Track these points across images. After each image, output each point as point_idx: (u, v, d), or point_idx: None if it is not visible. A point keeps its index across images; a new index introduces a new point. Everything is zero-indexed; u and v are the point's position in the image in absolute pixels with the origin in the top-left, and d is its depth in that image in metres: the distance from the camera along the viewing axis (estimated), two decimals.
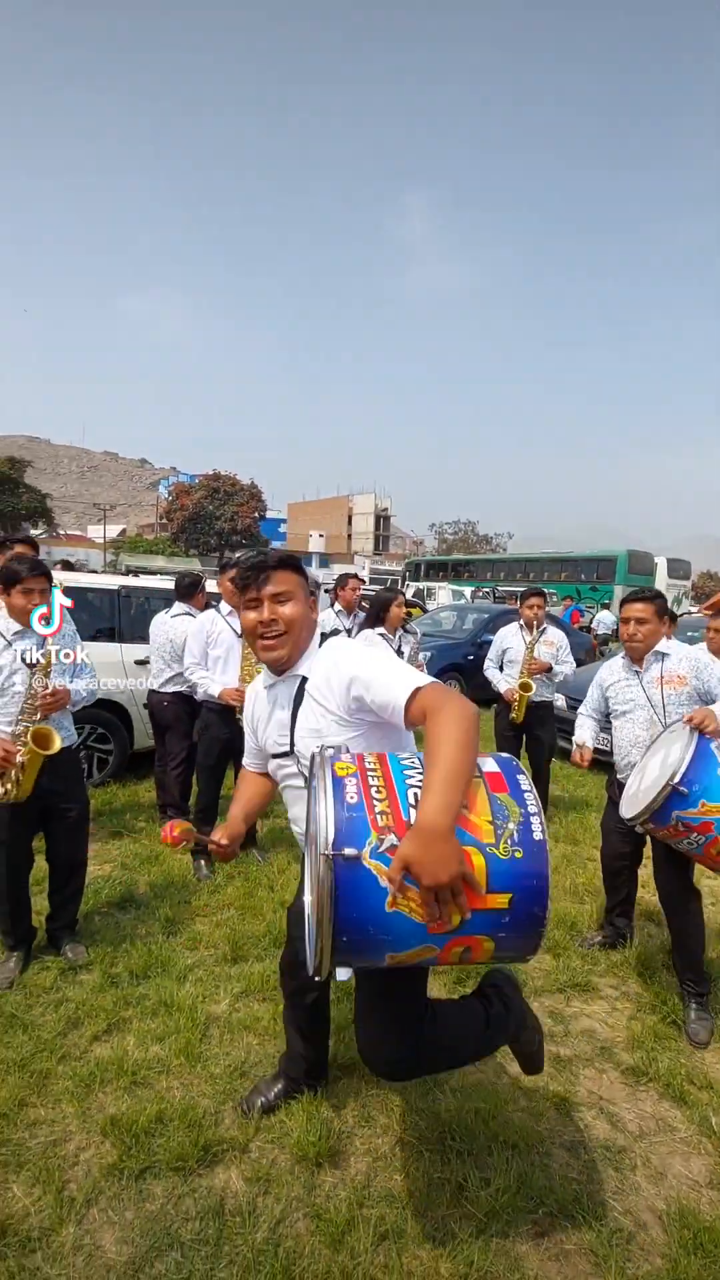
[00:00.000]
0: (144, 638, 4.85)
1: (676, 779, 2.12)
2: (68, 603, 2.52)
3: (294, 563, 1.53)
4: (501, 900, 1.14)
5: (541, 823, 1.20)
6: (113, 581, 5.14)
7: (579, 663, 5.94)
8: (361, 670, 1.40)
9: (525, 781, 1.27)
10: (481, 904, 1.12)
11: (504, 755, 1.34)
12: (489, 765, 1.28)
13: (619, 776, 2.82)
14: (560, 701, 5.77)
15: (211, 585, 4.73)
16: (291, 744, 1.54)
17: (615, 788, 2.85)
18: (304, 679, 1.52)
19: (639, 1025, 2.44)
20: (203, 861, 3.56)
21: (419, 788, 1.18)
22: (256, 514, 44.66)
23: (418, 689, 1.30)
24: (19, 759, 2.34)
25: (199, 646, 3.61)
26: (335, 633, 4.74)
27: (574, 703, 6.33)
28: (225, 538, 42.68)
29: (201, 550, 43.02)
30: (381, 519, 75.48)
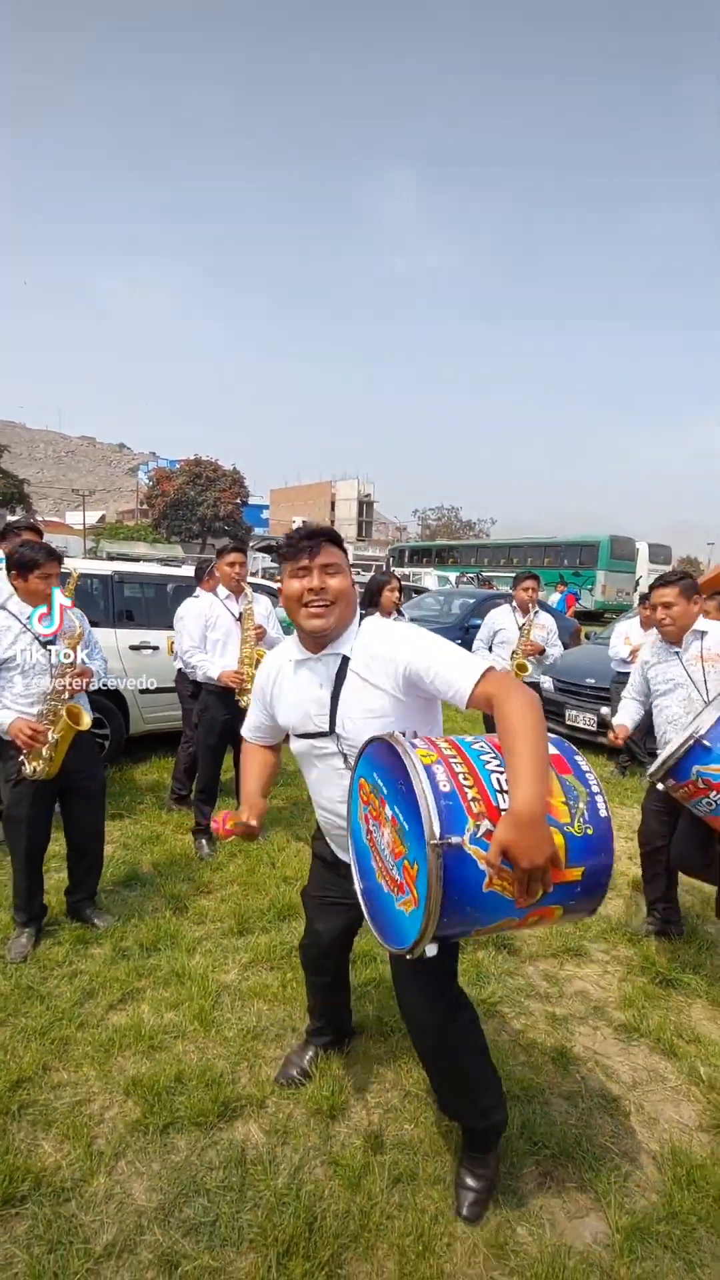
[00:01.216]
0: (138, 623, 4.88)
1: (700, 732, 2.18)
2: (67, 603, 2.56)
3: (340, 538, 1.55)
4: (576, 874, 1.28)
5: (604, 800, 1.34)
6: (106, 567, 5.14)
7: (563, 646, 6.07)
8: (421, 653, 1.43)
9: (584, 761, 1.39)
10: (560, 878, 1.23)
11: (556, 737, 1.42)
12: (550, 749, 1.36)
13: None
14: (547, 683, 5.91)
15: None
16: (332, 724, 1.54)
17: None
18: (345, 658, 1.53)
19: (630, 986, 2.57)
20: (204, 841, 3.63)
21: (499, 773, 1.27)
22: (239, 500, 44.29)
23: (483, 675, 1.35)
24: (52, 737, 2.41)
25: (197, 630, 3.65)
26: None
27: (560, 684, 6.51)
28: (207, 524, 42.31)
29: (184, 536, 42.62)
30: (364, 505, 75.28)
